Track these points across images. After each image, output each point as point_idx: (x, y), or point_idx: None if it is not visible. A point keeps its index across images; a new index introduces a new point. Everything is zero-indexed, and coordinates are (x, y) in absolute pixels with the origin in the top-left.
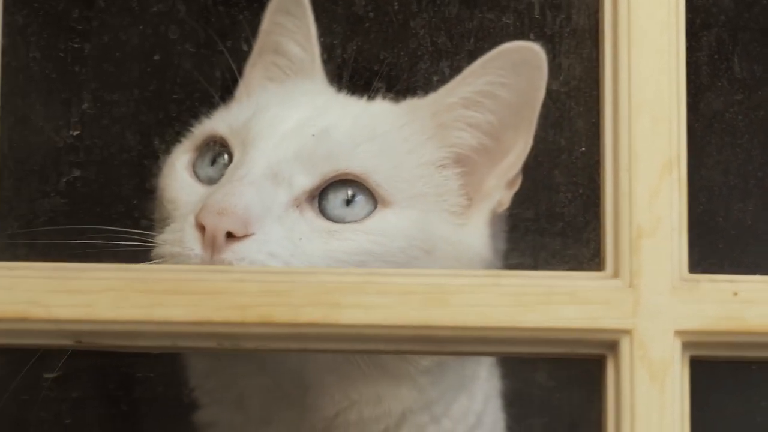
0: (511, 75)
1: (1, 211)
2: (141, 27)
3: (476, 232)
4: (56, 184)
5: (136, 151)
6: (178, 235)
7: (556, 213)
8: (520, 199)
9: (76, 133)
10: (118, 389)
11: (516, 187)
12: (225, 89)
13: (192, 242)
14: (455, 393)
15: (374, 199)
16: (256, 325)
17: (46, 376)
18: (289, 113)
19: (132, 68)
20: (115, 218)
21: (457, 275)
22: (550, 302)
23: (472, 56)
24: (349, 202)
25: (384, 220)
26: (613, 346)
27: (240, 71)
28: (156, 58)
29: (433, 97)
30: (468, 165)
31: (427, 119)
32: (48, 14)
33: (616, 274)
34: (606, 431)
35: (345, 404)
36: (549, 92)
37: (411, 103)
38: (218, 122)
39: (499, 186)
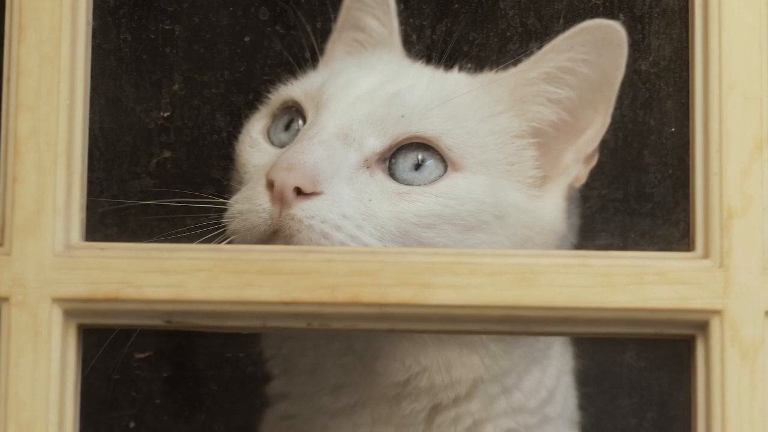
0: (592, 52)
1: (92, 191)
2: (231, 8)
3: (551, 205)
4: (147, 165)
5: (225, 132)
6: (249, 193)
7: (645, 193)
8: (609, 180)
9: (166, 114)
10: (208, 369)
11: (593, 164)
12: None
13: (262, 198)
14: (527, 365)
15: (444, 163)
16: (344, 305)
17: (137, 356)
18: (362, 77)
19: (222, 49)
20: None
21: (547, 255)
22: (640, 283)
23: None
24: (418, 165)
25: (454, 183)
26: (703, 327)
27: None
28: (246, 39)
29: (513, 72)
30: (545, 139)
31: (505, 92)
32: None
33: (706, 255)
34: (696, 411)
35: (416, 370)
36: (638, 73)
37: (487, 76)
38: (293, 88)
39: (577, 161)
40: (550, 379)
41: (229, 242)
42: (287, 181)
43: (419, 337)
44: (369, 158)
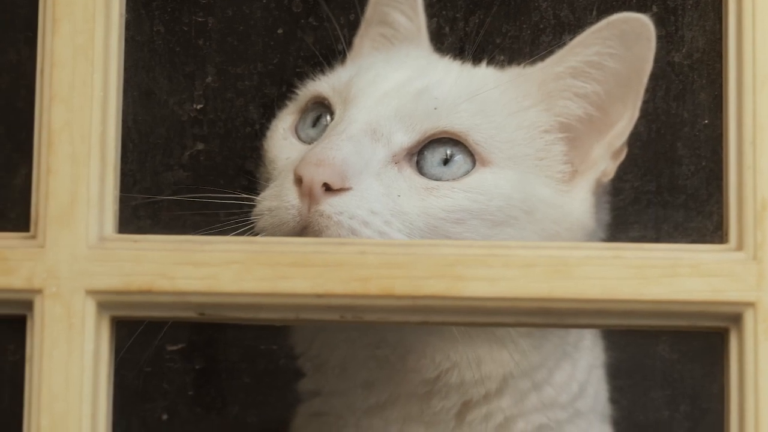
0: (619, 46)
1: (125, 184)
2: (264, 0)
3: (580, 200)
4: (180, 157)
5: (258, 124)
6: (278, 189)
7: (678, 185)
8: (642, 172)
9: (199, 106)
10: (241, 361)
11: (621, 158)
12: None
13: (290, 195)
14: (558, 360)
15: (472, 158)
16: (377, 298)
17: (170, 348)
18: (390, 72)
19: (255, 41)
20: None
21: (580, 248)
22: (674, 275)
23: None
24: (447, 161)
25: (483, 178)
26: (736, 319)
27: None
28: (279, 31)
29: (540, 66)
30: (573, 134)
31: (532, 87)
32: None
33: (739, 247)
34: (729, 403)
35: (446, 366)
36: (671, 65)
37: (516, 71)
38: (321, 84)
39: (605, 156)
40: (581, 373)
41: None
42: (316, 176)
43: (449, 333)
44: (397, 153)
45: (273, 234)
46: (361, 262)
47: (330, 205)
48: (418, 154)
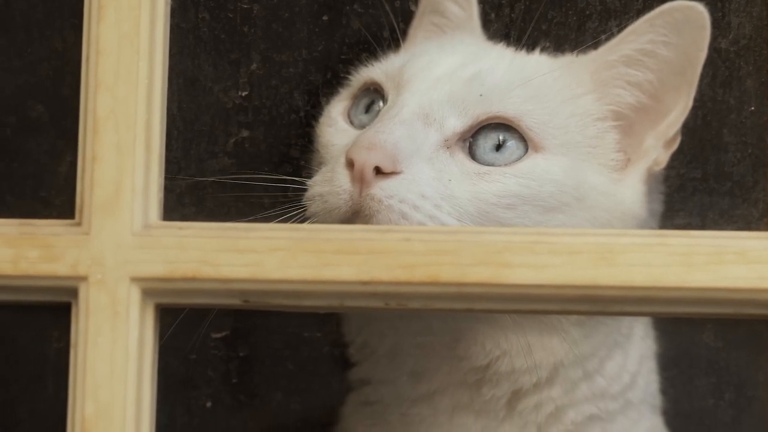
0: (673, 34)
1: (170, 171)
2: None
3: (631, 189)
4: (224, 144)
5: (303, 112)
6: (329, 174)
7: (724, 173)
8: (688, 159)
9: (244, 93)
10: (285, 349)
11: (674, 147)
12: (393, 49)
13: (342, 179)
14: (609, 350)
15: (525, 144)
16: (423, 285)
17: (214, 335)
18: (443, 58)
19: (300, 28)
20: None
21: (625, 235)
22: (719, 262)
23: (641, 15)
24: (499, 146)
25: (534, 164)
26: None
27: (406, 32)
28: (324, 18)
29: (593, 55)
30: (626, 123)
31: (585, 75)
32: None
33: None
34: None
35: (496, 353)
36: (718, 51)
37: (569, 59)
38: (374, 69)
39: (657, 145)
40: (633, 364)
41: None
42: (368, 160)
43: (499, 321)
44: (449, 138)
45: (323, 220)
46: (407, 249)
47: (381, 188)
48: (470, 139)
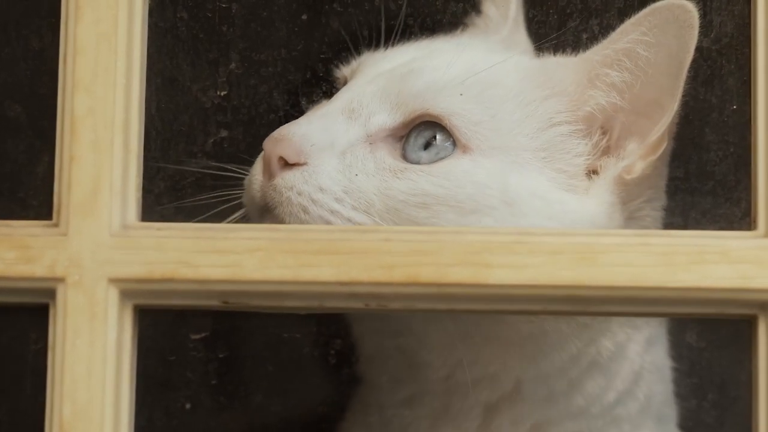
0: (657, 33)
1: (148, 171)
2: None
3: (595, 199)
4: (203, 144)
5: (283, 111)
6: (256, 164)
7: (706, 172)
8: (669, 158)
9: (223, 93)
10: (265, 350)
11: (656, 154)
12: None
13: (257, 168)
14: (584, 371)
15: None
16: (402, 285)
17: (193, 336)
18: (400, 54)
19: (279, 28)
20: None
21: (607, 235)
22: (701, 262)
23: (622, 14)
24: (428, 145)
25: (455, 165)
26: (764, 306)
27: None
28: (303, 17)
29: (579, 56)
30: (602, 127)
31: (560, 76)
32: None
33: None
34: (757, 392)
35: (452, 362)
36: (700, 50)
37: (548, 60)
38: (349, 66)
39: (634, 151)
40: (623, 383)
41: (245, 216)
42: (273, 150)
43: (451, 329)
44: (374, 134)
45: (247, 210)
46: (387, 249)
47: (282, 178)
48: (407, 137)
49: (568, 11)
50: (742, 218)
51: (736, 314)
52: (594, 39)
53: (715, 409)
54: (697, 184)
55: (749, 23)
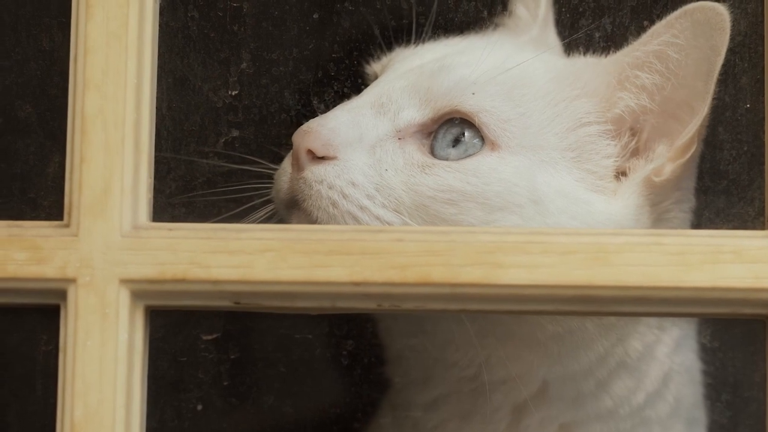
0: (689, 36)
1: (159, 171)
2: None
3: (623, 201)
4: (214, 144)
5: (294, 111)
6: (287, 158)
7: (720, 171)
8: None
9: (234, 92)
10: (276, 351)
11: (685, 158)
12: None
13: (286, 161)
14: (612, 372)
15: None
16: (415, 286)
17: (205, 337)
18: (430, 51)
19: (291, 27)
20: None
21: (620, 234)
22: (715, 261)
23: (635, 12)
24: (456, 141)
25: (483, 162)
26: None
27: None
28: (315, 16)
29: (610, 57)
30: (628, 128)
31: (589, 77)
32: None
33: None
34: None
35: (478, 362)
36: None
37: (578, 60)
38: (381, 61)
39: (662, 154)
40: (653, 384)
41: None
42: (302, 143)
43: (477, 328)
44: (403, 129)
45: (276, 204)
46: (399, 249)
47: (312, 172)
48: (436, 133)
49: (581, 9)
50: (755, 217)
51: (749, 314)
52: (606, 37)
53: (728, 409)
54: (711, 183)
55: (762, 21)
